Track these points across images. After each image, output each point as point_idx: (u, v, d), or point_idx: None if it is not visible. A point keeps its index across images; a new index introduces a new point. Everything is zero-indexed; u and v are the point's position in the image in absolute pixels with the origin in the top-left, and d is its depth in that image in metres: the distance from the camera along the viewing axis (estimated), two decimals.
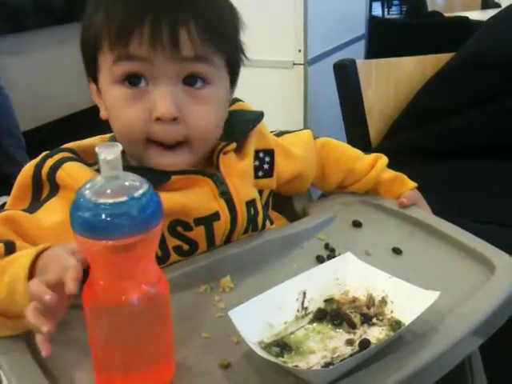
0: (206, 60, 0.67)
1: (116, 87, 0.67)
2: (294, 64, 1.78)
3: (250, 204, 0.77)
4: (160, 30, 0.63)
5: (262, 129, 0.82)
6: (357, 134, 1.46)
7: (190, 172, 0.74)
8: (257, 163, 0.81)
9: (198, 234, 0.73)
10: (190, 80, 0.67)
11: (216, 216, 0.74)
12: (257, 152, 0.81)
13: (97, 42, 0.67)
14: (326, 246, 0.79)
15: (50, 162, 0.70)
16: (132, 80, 0.67)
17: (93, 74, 0.72)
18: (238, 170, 0.77)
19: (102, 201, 0.44)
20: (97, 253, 0.45)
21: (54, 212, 0.68)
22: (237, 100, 0.83)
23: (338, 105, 1.55)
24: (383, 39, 2.42)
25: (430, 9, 3.44)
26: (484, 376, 0.79)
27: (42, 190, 0.71)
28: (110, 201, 0.44)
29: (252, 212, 0.77)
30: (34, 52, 3.28)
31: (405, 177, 0.93)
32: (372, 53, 2.38)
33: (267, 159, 0.82)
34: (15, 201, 0.72)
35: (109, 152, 0.45)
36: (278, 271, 0.74)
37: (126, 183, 0.46)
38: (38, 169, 0.71)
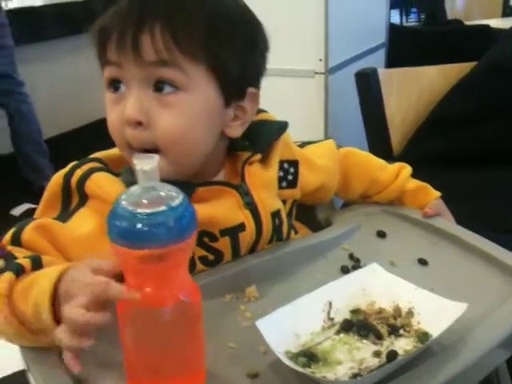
0: (171, 65, 0.65)
1: (107, 93, 0.70)
2: (316, 73, 1.79)
3: (275, 214, 0.78)
4: (125, 34, 0.65)
5: (286, 139, 0.83)
6: (379, 143, 1.45)
7: (215, 183, 0.74)
8: (281, 174, 0.81)
9: (224, 244, 0.73)
10: (159, 85, 0.67)
11: (242, 227, 0.74)
12: (281, 162, 0.81)
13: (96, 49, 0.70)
14: (351, 256, 0.79)
15: (79, 172, 0.72)
16: (115, 85, 0.69)
17: None
18: (263, 180, 0.77)
19: (139, 210, 0.45)
20: (133, 261, 0.46)
21: (84, 222, 0.69)
22: (260, 110, 0.83)
23: (358, 113, 1.55)
24: (403, 47, 2.41)
25: (449, 16, 3.42)
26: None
27: (72, 199, 0.72)
28: (148, 210, 0.45)
29: (277, 222, 0.78)
30: (57, 61, 3.34)
31: (429, 186, 0.92)
32: (392, 61, 2.37)
33: (291, 170, 0.83)
34: (45, 210, 0.73)
35: (146, 163, 0.46)
36: (303, 281, 0.74)
37: (163, 193, 0.47)
38: (67, 179, 0.72)
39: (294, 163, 0.83)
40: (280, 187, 0.81)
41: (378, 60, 2.28)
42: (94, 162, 0.74)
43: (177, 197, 0.47)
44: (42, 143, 2.81)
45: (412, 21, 7.13)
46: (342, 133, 1.89)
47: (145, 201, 0.46)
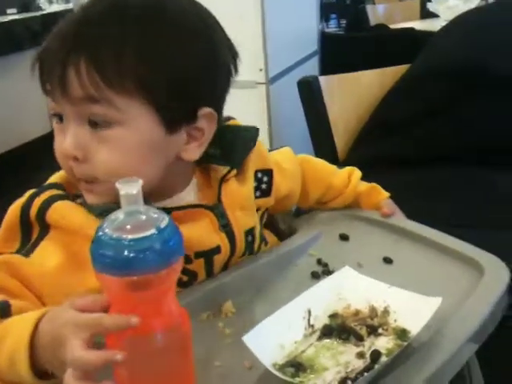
0: (101, 101, 0.63)
1: (54, 121, 0.69)
2: (257, 83, 1.81)
3: (249, 232, 0.77)
4: (53, 70, 0.64)
5: (259, 147, 0.81)
6: (325, 149, 1.48)
7: (189, 206, 0.73)
8: (255, 184, 0.80)
9: (198, 265, 0.72)
10: (92, 122, 0.65)
11: (217, 249, 0.73)
12: (255, 172, 0.80)
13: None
14: (319, 261, 0.80)
15: (38, 202, 0.68)
16: (58, 116, 0.67)
17: None
18: (240, 198, 0.76)
19: (124, 236, 0.44)
20: (121, 289, 0.45)
21: (50, 255, 0.66)
22: (229, 118, 0.81)
23: (300, 121, 1.57)
24: (334, 54, 2.48)
25: (371, 22, 3.53)
26: (481, 376, 0.81)
27: (32, 231, 0.69)
28: (134, 236, 0.44)
29: (249, 239, 0.77)
30: None
31: (378, 186, 0.95)
32: (325, 68, 2.43)
33: (265, 179, 0.82)
34: (3, 244, 0.69)
35: (129, 187, 0.44)
36: (277, 291, 0.74)
37: (146, 217, 0.46)
38: (25, 209, 0.68)
39: (268, 172, 0.82)
40: (254, 197, 0.80)
41: (312, 67, 2.34)
42: (53, 189, 0.70)
43: (163, 218, 0.46)
44: None
45: (332, 27, 7.30)
46: (286, 141, 1.91)
47: (129, 226, 0.45)
